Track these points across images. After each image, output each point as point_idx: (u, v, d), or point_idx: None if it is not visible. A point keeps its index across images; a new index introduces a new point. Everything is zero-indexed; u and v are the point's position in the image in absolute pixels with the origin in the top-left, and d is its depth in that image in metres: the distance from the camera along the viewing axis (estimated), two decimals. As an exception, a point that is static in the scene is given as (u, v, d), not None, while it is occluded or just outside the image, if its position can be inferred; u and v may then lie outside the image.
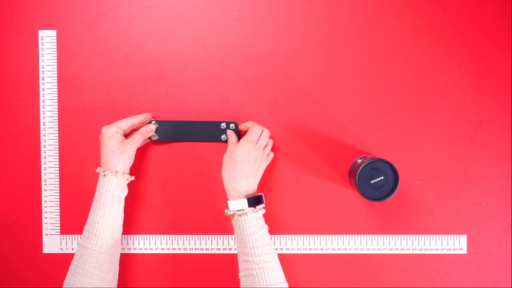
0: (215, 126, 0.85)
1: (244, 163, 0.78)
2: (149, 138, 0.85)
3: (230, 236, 0.88)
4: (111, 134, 0.80)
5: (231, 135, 0.84)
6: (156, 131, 0.85)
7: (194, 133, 0.86)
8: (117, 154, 0.79)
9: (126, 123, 0.82)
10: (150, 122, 0.84)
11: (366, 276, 0.88)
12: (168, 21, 0.87)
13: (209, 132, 0.86)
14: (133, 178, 0.82)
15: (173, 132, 0.85)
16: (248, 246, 0.76)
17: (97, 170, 0.80)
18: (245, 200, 0.77)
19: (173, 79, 0.87)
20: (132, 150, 0.81)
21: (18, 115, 0.88)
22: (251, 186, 0.79)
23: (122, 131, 0.82)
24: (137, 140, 0.82)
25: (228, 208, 0.79)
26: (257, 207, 0.78)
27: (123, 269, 0.88)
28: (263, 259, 0.75)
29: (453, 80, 0.86)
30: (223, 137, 0.85)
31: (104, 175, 0.79)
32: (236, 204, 0.77)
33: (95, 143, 0.86)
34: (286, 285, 0.76)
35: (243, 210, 0.77)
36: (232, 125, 0.85)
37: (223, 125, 0.85)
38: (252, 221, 0.77)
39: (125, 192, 0.81)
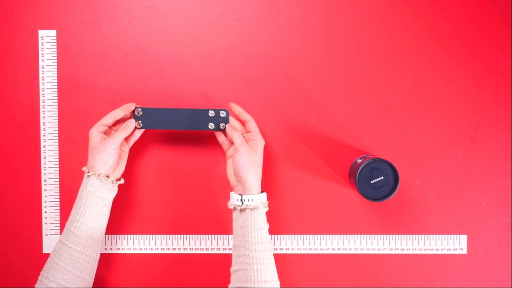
0: (202, 114, 0.81)
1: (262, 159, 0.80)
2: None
3: (230, 236, 0.88)
4: (92, 134, 0.78)
5: (233, 128, 0.80)
6: (141, 118, 0.81)
7: (180, 121, 0.81)
8: (95, 154, 0.77)
9: (108, 119, 0.79)
10: (135, 109, 0.81)
11: (366, 276, 0.87)
12: (168, 21, 0.87)
13: (196, 120, 0.81)
14: (121, 181, 0.81)
15: (157, 119, 0.81)
16: (253, 241, 0.75)
17: (83, 169, 0.79)
18: (265, 194, 0.79)
19: (173, 79, 0.87)
20: (111, 149, 0.77)
21: (18, 115, 0.88)
22: None
23: (106, 128, 0.79)
24: (117, 137, 0.78)
25: (241, 202, 0.77)
26: (267, 202, 0.79)
27: (121, 269, 0.88)
28: (264, 255, 0.75)
29: (453, 80, 0.86)
30: (210, 125, 0.81)
31: (88, 176, 0.77)
32: (258, 198, 0.77)
33: (95, 143, 0.86)
34: (279, 283, 0.76)
35: (256, 204, 0.77)
36: (223, 113, 0.81)
37: (212, 113, 0.81)
38: (262, 216, 0.77)
39: (110, 194, 0.79)
